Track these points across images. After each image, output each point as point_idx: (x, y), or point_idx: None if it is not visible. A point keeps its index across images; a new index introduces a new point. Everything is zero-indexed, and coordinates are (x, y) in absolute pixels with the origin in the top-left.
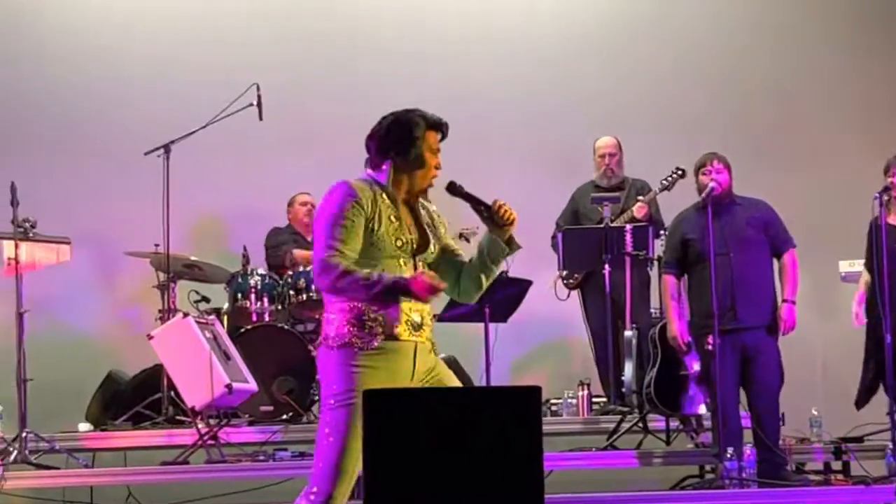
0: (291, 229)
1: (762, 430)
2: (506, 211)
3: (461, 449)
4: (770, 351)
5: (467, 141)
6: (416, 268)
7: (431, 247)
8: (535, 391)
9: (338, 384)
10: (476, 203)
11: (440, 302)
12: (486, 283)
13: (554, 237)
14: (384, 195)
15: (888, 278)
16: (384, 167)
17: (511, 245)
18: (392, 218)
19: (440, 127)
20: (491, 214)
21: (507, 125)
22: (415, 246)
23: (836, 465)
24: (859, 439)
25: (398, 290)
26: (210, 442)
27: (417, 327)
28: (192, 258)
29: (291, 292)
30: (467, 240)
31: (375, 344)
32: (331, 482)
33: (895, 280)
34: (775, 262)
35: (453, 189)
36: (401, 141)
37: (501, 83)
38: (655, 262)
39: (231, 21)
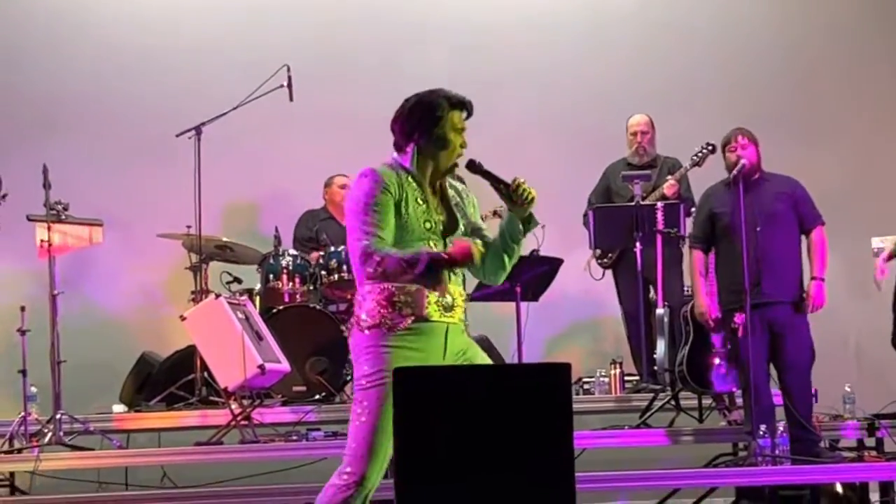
0: (327, 211)
1: (794, 407)
2: (524, 189)
3: (492, 426)
4: (798, 327)
5: (501, 120)
6: (446, 247)
7: (461, 227)
8: (565, 368)
9: (369, 365)
10: (495, 181)
11: (472, 282)
12: (509, 264)
13: (586, 215)
14: (410, 178)
15: None
16: (408, 150)
17: (529, 224)
18: (419, 200)
19: (463, 105)
20: (510, 192)
21: (540, 103)
22: (443, 227)
23: (870, 442)
24: (893, 415)
25: (440, 263)
26: (243, 422)
27: (449, 308)
28: (224, 239)
29: (323, 272)
30: (501, 217)
31: (406, 324)
32: (364, 462)
33: None
34: (804, 239)
35: (473, 166)
36: (424, 122)
37: (535, 61)
38: (687, 240)
39: (262, 1)
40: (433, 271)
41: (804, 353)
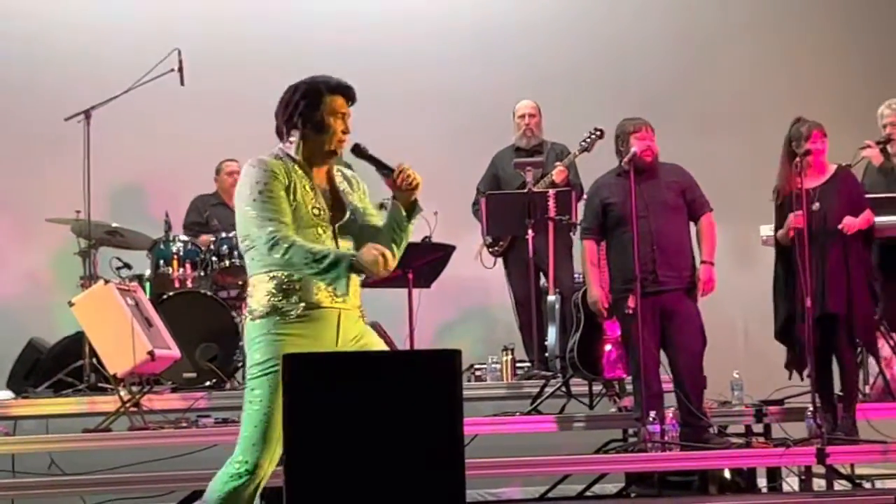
0: (218, 197)
1: (685, 393)
2: (409, 175)
3: (381, 412)
4: (690, 313)
5: (388, 108)
6: (335, 235)
7: (347, 213)
8: (455, 354)
9: (260, 353)
10: (380, 166)
11: None
12: (398, 251)
13: (475, 203)
14: (296, 167)
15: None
16: (292, 138)
17: (413, 210)
18: (307, 188)
19: (343, 90)
20: (394, 178)
21: (427, 92)
22: (331, 214)
23: (758, 428)
24: (780, 402)
25: (347, 264)
26: (132, 409)
27: (341, 294)
28: (114, 225)
29: (214, 258)
30: None
31: (297, 312)
32: (257, 451)
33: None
34: (692, 226)
35: (358, 150)
36: (304, 108)
37: (422, 49)
38: (578, 227)
39: None
40: (338, 269)
41: (696, 338)
